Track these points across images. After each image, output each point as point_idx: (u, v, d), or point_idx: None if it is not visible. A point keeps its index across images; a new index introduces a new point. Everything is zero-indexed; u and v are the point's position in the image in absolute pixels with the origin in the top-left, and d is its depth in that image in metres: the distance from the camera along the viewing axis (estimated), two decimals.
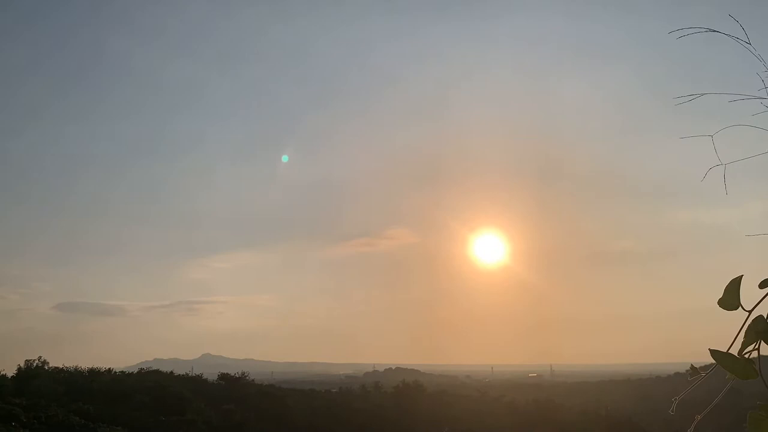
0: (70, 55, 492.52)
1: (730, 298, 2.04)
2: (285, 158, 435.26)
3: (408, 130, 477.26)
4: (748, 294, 2.14)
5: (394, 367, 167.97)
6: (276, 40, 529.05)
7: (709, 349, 1.87)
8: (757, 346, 1.95)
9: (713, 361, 1.98)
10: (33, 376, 61.42)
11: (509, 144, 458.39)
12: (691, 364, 1.95)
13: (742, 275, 2.12)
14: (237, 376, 72.41)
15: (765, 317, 2.01)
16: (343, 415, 60.95)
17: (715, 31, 2.82)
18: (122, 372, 73.56)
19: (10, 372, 62.72)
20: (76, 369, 67.08)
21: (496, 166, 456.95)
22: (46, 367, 64.74)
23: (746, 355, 1.95)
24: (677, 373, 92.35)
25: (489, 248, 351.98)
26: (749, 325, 1.99)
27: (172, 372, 73.98)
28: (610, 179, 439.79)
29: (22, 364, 64.13)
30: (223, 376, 72.43)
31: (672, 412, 1.88)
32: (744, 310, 2.05)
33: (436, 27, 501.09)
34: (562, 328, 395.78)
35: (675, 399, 1.86)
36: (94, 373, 67.46)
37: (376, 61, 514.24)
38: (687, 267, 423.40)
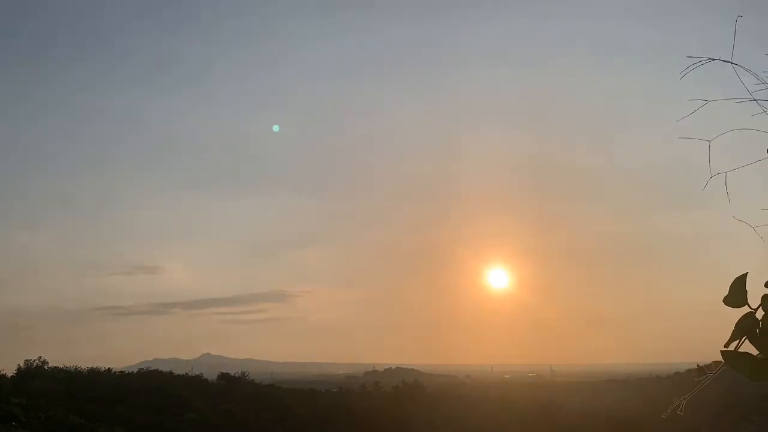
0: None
1: (736, 296, 2.00)
2: (276, 128, 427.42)
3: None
4: (749, 292, 2.10)
5: (394, 367, 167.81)
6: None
7: (721, 351, 1.82)
8: (740, 344, 1.92)
9: (716, 361, 1.93)
10: (33, 375, 61.41)
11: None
12: (698, 364, 1.91)
13: (747, 272, 2.09)
14: (237, 376, 72.48)
15: (754, 314, 1.98)
16: (343, 415, 60.96)
17: (719, 59, 2.79)
18: (122, 372, 73.63)
19: (10, 372, 62.81)
20: (76, 369, 67.14)
21: (488, 152, 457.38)
22: (45, 367, 64.76)
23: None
24: (677, 373, 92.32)
25: (493, 270, 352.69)
26: (737, 322, 1.96)
27: (171, 372, 74.03)
28: (611, 178, 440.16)
29: (21, 364, 64.18)
30: (223, 376, 72.48)
31: (680, 412, 1.84)
32: (750, 308, 2.01)
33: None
34: (562, 327, 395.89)
35: (683, 399, 1.81)
36: (94, 373, 67.51)
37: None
38: (687, 266, 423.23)
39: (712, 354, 1.93)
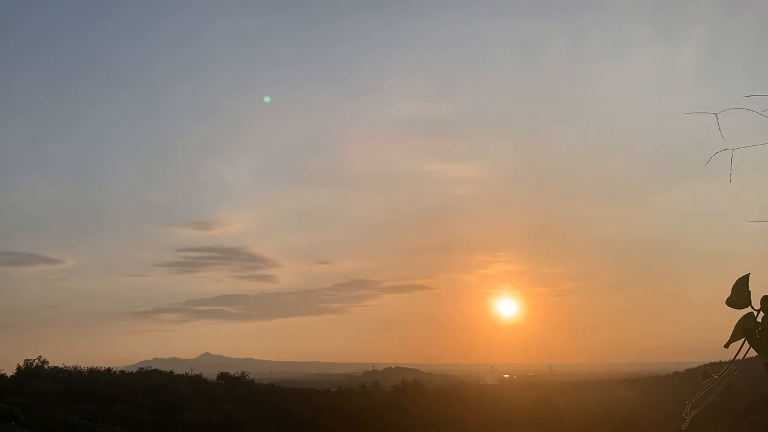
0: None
1: (739, 297, 1.99)
2: (267, 99, 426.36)
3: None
4: (752, 292, 2.09)
5: (393, 367, 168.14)
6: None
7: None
8: (741, 345, 1.91)
9: (718, 360, 1.93)
10: (33, 375, 61.44)
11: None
12: (702, 367, 1.90)
13: (749, 273, 2.08)
14: (237, 375, 72.47)
15: (755, 315, 1.98)
16: (343, 415, 60.94)
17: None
18: (122, 372, 73.65)
19: (10, 371, 62.85)
20: (76, 369, 67.15)
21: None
22: (45, 367, 64.78)
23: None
24: (676, 373, 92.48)
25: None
26: (737, 322, 1.96)
27: (171, 372, 74.05)
28: (616, 172, 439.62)
29: (21, 364, 64.21)
30: (223, 376, 72.50)
31: (685, 415, 1.82)
32: (753, 309, 2.00)
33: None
34: (562, 326, 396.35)
35: (688, 402, 1.80)
36: (94, 372, 67.53)
37: None
38: (687, 264, 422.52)
39: (713, 354, 1.93)
